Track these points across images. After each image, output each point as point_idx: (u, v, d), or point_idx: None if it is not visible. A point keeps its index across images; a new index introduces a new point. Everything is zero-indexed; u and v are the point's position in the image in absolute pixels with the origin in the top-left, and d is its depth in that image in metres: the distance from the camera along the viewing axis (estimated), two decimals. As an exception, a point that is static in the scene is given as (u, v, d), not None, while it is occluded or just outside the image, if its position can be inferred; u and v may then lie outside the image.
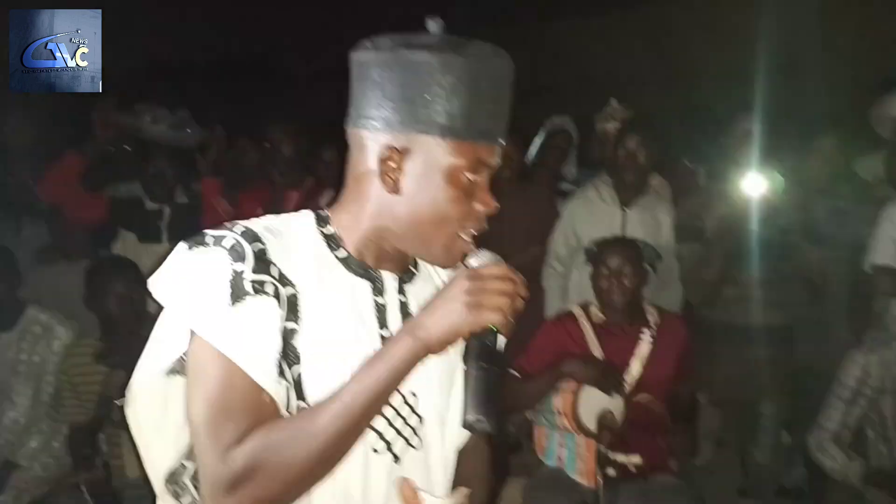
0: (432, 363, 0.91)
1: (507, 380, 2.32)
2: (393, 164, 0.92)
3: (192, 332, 0.87)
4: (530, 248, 3.01)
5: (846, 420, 2.31)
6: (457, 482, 1.05)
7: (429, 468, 0.99)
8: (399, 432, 0.95)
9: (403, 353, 0.86)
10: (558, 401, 2.25)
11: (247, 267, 0.87)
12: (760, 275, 2.62)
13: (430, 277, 1.04)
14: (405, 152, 0.92)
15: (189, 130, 3.36)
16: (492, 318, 0.87)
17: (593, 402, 2.18)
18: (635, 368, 2.31)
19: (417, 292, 1.00)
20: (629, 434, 2.30)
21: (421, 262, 1.04)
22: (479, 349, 0.90)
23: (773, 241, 2.61)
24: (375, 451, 0.93)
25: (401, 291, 0.99)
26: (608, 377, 2.23)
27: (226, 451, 0.82)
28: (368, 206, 0.96)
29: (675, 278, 2.88)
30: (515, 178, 3.20)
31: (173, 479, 0.96)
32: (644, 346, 2.33)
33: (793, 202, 2.67)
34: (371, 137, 0.93)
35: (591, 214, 2.87)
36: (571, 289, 2.90)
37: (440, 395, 1.00)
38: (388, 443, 0.94)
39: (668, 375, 2.34)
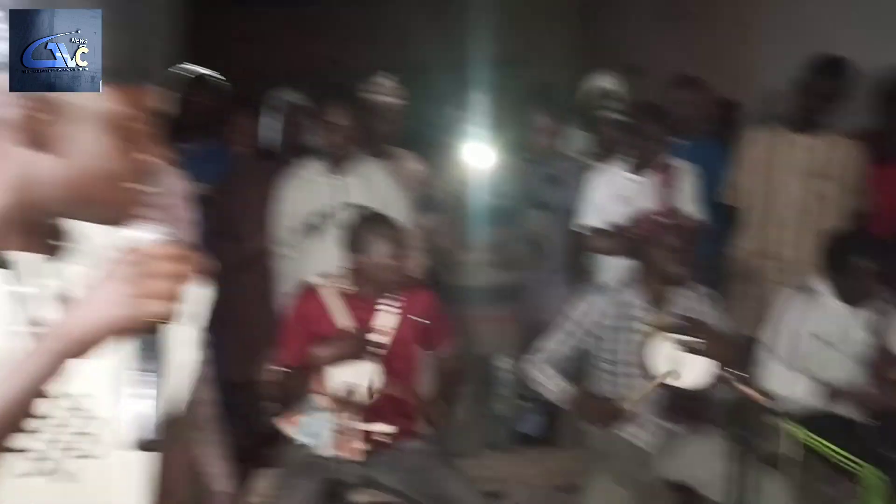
0: (109, 359, 0.78)
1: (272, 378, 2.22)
2: (37, 115, 0.78)
3: None
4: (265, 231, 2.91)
5: (561, 347, 2.53)
6: (161, 482, 0.93)
7: (119, 478, 0.86)
8: (66, 446, 0.81)
9: (42, 358, 0.72)
10: (317, 381, 2.21)
11: None
12: (491, 239, 2.80)
13: (91, 252, 0.88)
14: (51, 99, 0.78)
15: None
16: (155, 309, 0.74)
17: (345, 373, 2.15)
18: (383, 337, 2.32)
19: (74, 272, 0.85)
20: (383, 405, 2.32)
21: (80, 234, 0.88)
22: (142, 348, 0.77)
23: (500, 208, 2.81)
24: (33, 474, 0.78)
25: (50, 275, 0.83)
26: (355, 345, 2.21)
27: None
28: (5, 167, 0.80)
29: (416, 247, 2.98)
30: (253, 157, 3.09)
31: None
32: (390, 315, 2.35)
33: (514, 172, 2.89)
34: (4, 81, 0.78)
35: (308, 191, 2.83)
36: (305, 268, 2.78)
37: (103, 403, 0.85)
38: (50, 461, 0.80)
39: (418, 343, 2.39)
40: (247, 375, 2.58)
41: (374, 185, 2.84)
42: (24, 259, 0.82)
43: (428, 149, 3.23)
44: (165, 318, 0.76)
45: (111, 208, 0.83)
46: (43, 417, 0.77)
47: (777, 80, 3.65)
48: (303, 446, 2.30)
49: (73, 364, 0.74)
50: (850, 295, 2.56)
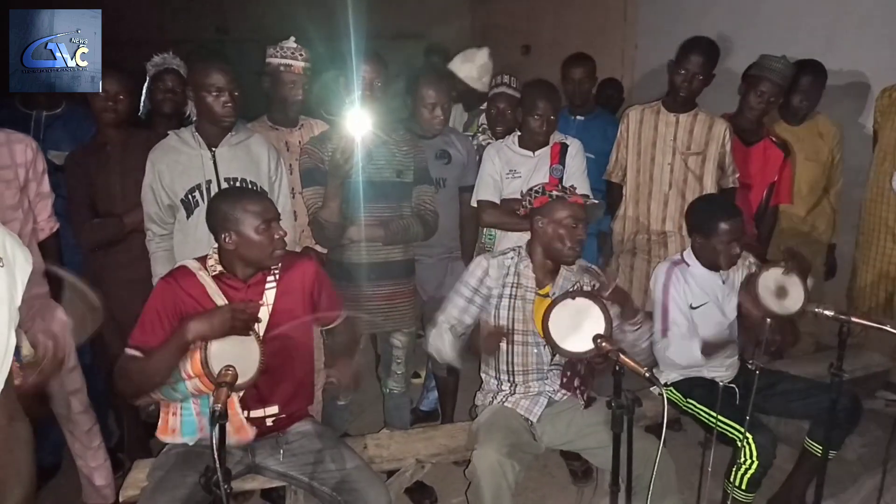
0: None
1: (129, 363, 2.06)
2: None
3: None
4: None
5: (461, 316, 2.56)
6: None
7: None
8: None
9: None
10: (186, 364, 2.02)
11: None
12: (382, 214, 2.74)
13: None
14: None
15: None
16: None
17: (226, 354, 1.99)
18: (263, 314, 2.21)
19: None
20: (268, 385, 2.23)
21: None
22: None
23: (387, 181, 2.75)
24: None
25: None
26: (235, 319, 2.05)
27: None
28: None
29: (299, 220, 2.88)
30: (130, 126, 2.87)
31: None
32: (269, 291, 2.24)
33: (405, 146, 2.84)
34: None
35: (177, 163, 2.60)
36: (179, 247, 2.65)
37: None
38: None
39: (303, 317, 2.29)
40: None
41: (251, 157, 2.69)
42: None
43: (318, 119, 3.13)
44: None
45: None
46: None
47: (658, 60, 3.80)
48: (182, 436, 2.18)
49: None
50: (715, 260, 2.71)
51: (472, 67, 3.80)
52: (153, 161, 2.61)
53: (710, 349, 2.66)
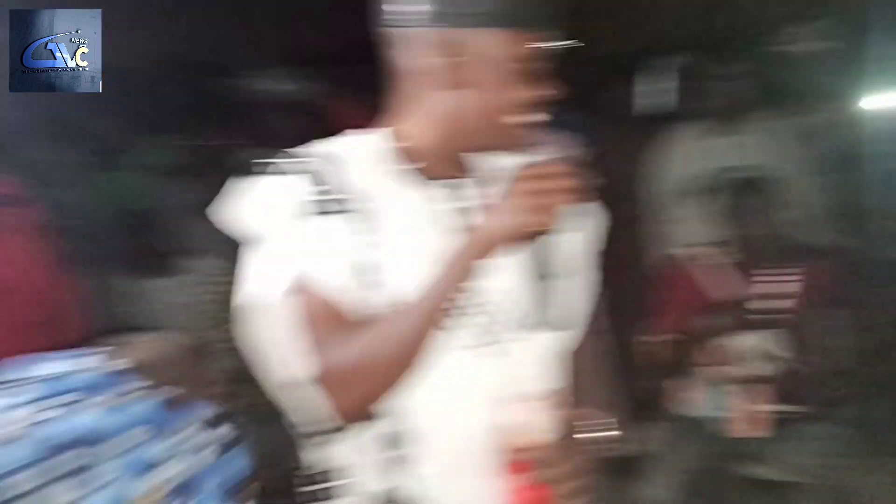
0: (509, 263, 0.96)
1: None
2: (454, 59, 0.94)
3: (273, 251, 0.93)
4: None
5: None
6: (576, 383, 1.07)
7: (535, 362, 1.02)
8: (494, 327, 0.99)
9: (464, 256, 0.91)
10: (704, 353, 2.11)
11: (315, 188, 0.93)
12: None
13: (497, 178, 1.02)
14: (465, 45, 0.94)
15: None
16: (547, 219, 0.89)
17: (747, 348, 2.03)
18: (780, 306, 2.14)
19: (484, 194, 1.02)
20: (792, 382, 2.14)
21: (488, 164, 1.05)
22: (540, 250, 0.93)
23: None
24: (474, 346, 0.97)
25: (468, 196, 1.02)
26: (737, 317, 2.08)
27: (318, 354, 0.90)
28: (428, 108, 0.99)
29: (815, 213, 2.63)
30: (628, 122, 3.03)
31: (287, 386, 0.96)
32: (782, 284, 2.16)
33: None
34: (424, 36, 0.95)
35: (688, 155, 2.66)
36: (680, 236, 2.66)
37: (521, 295, 1.01)
38: (484, 337, 0.98)
39: (818, 312, 2.14)
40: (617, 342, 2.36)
41: (765, 146, 2.61)
42: (446, 183, 1.01)
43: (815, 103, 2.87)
44: (554, 229, 0.90)
45: (511, 137, 0.98)
46: (467, 304, 0.94)
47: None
48: (695, 417, 2.19)
49: (483, 264, 0.91)
50: None
51: None
52: (662, 152, 2.72)
53: None
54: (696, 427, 2.20)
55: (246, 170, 0.97)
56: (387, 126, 1.03)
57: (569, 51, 1.02)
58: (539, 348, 1.03)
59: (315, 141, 1.00)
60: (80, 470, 0.85)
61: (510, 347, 1.00)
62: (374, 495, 0.96)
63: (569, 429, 0.98)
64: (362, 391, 0.91)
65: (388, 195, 0.97)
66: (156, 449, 0.94)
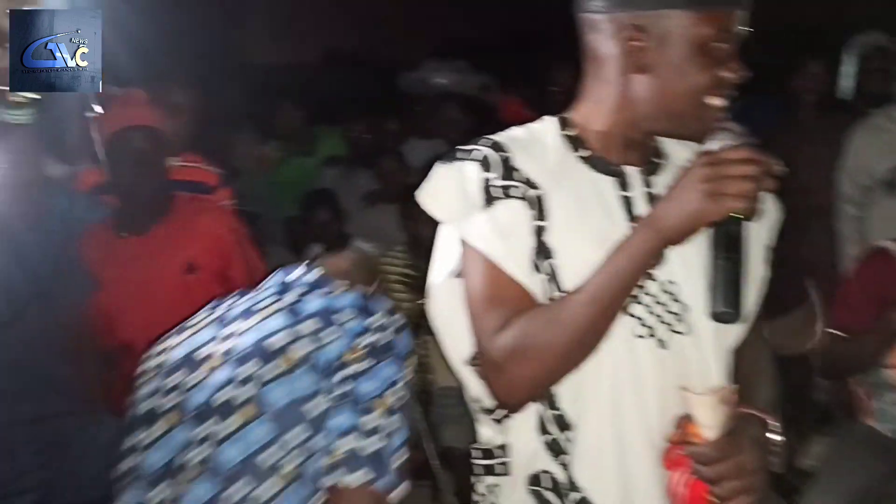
0: (692, 251, 0.94)
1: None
2: (638, 43, 0.93)
3: (459, 235, 0.97)
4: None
5: None
6: (738, 382, 1.02)
7: (701, 356, 0.99)
8: (660, 319, 0.97)
9: (641, 244, 0.90)
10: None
11: (494, 174, 0.95)
12: None
13: (675, 166, 1.01)
14: (649, 29, 0.93)
15: None
16: (733, 206, 0.85)
17: None
18: None
19: (663, 182, 1.00)
20: None
21: (666, 151, 1.04)
22: (723, 238, 0.88)
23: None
24: (640, 336, 0.96)
25: (646, 184, 1.01)
26: None
27: (491, 336, 0.92)
28: (613, 91, 0.97)
29: None
30: (823, 108, 2.89)
31: (472, 361, 1.00)
32: None
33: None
34: (608, 20, 0.95)
35: (885, 143, 2.50)
36: (872, 230, 2.51)
37: (694, 287, 0.98)
38: (650, 328, 0.96)
39: None
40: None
41: None
42: (626, 170, 0.99)
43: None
44: (742, 214, 0.87)
45: (694, 121, 0.95)
46: (644, 293, 0.95)
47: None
48: (872, 427, 2.02)
49: (660, 253, 0.90)
50: None
51: None
52: (857, 140, 2.59)
53: None
54: (875, 440, 1.98)
55: (439, 158, 1.01)
56: (571, 112, 1.02)
57: (755, 31, 0.97)
58: (706, 342, 0.99)
59: (494, 131, 1.01)
60: (318, 331, 1.25)
61: (678, 339, 0.97)
62: (533, 477, 0.97)
63: (733, 427, 0.92)
64: (533, 374, 0.91)
65: (568, 181, 0.97)
66: (357, 323, 1.26)
